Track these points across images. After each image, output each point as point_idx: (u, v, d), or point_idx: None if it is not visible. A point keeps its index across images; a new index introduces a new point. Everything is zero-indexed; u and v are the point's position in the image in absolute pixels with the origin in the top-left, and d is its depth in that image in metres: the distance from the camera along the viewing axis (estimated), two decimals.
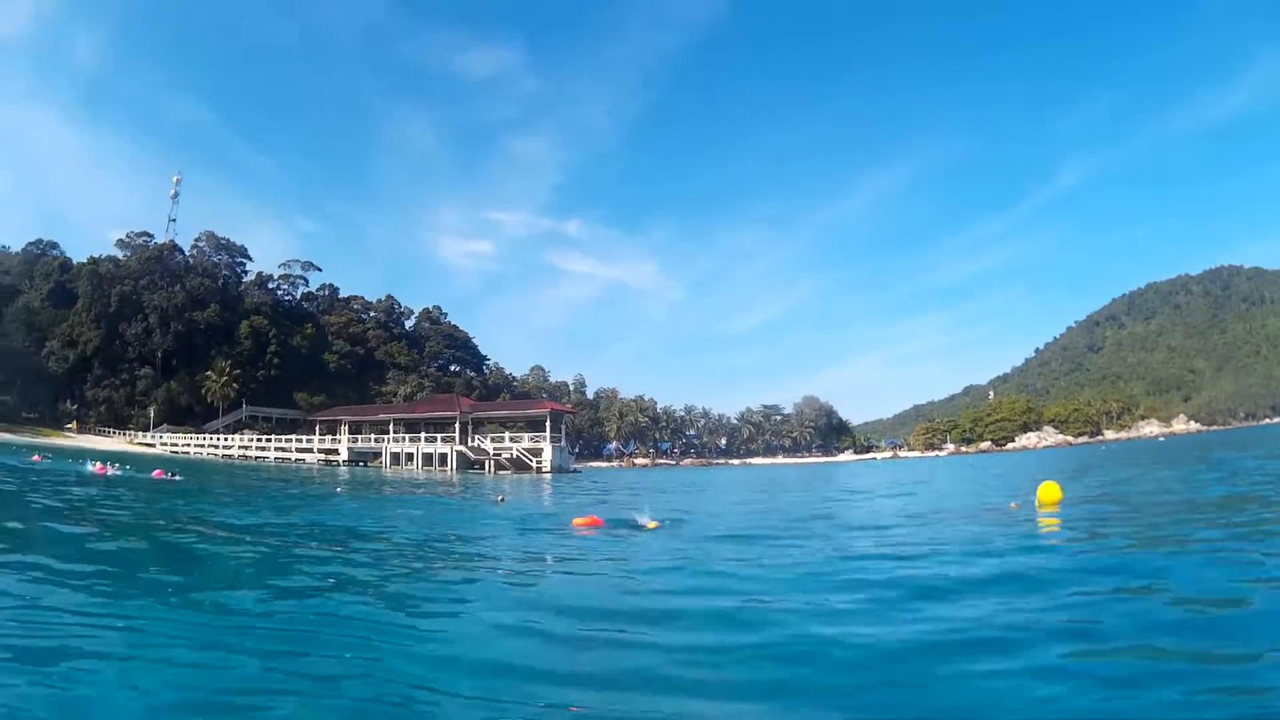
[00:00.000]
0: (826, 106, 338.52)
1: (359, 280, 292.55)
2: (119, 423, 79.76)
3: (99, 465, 29.04)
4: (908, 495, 23.35)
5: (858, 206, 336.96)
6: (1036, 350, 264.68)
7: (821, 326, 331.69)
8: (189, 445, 71.07)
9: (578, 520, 13.96)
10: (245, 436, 73.79)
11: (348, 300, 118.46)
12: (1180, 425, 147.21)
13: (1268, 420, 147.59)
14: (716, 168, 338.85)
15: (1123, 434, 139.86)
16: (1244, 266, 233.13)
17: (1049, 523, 12.62)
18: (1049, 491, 15.15)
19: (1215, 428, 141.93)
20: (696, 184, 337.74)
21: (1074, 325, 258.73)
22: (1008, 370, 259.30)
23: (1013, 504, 15.61)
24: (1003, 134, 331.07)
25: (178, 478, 27.51)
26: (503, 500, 20.51)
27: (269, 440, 71.44)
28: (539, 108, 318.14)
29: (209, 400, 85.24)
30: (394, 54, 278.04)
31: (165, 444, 70.99)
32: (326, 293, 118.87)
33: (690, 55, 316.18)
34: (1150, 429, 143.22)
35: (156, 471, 28.67)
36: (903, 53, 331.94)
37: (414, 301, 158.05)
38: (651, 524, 13.27)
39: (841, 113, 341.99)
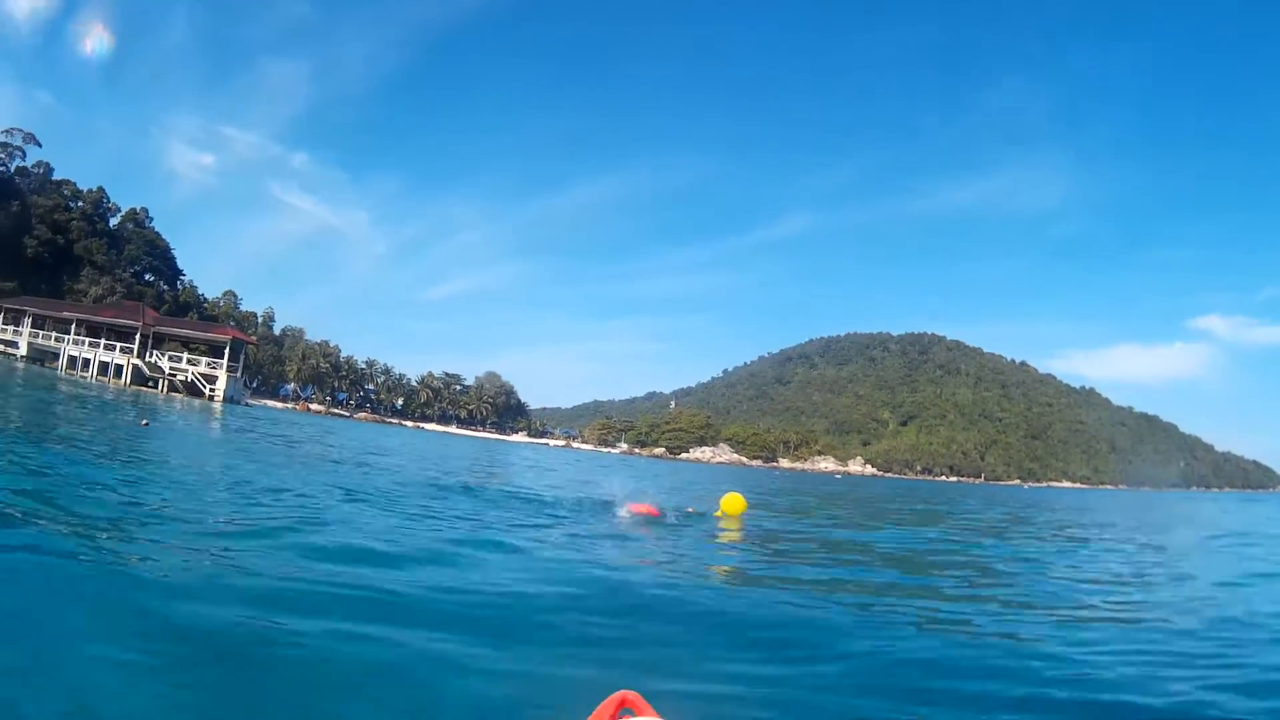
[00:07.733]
0: (573, 103, 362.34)
1: (76, 165, 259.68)
2: None
3: None
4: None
5: (578, 204, 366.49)
6: (725, 371, 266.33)
7: (517, 308, 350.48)
8: None
9: (633, 506, 12.95)
10: None
11: (59, 184, 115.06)
12: (856, 467, 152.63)
13: (944, 478, 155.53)
14: (452, 136, 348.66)
15: (797, 465, 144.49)
16: (945, 337, 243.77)
17: (730, 535, 12.92)
18: (733, 502, 15.10)
19: (891, 475, 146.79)
20: (430, 148, 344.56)
21: (766, 356, 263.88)
22: (693, 385, 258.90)
23: (690, 508, 15.79)
24: (742, 169, 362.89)
25: None
26: (146, 424, 19.75)
27: None
28: (301, 35, 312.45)
29: None
30: None
31: None
32: (41, 171, 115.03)
33: (461, 24, 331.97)
34: (826, 465, 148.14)
35: None
36: (666, 72, 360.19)
37: (126, 199, 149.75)
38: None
39: (586, 112, 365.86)
